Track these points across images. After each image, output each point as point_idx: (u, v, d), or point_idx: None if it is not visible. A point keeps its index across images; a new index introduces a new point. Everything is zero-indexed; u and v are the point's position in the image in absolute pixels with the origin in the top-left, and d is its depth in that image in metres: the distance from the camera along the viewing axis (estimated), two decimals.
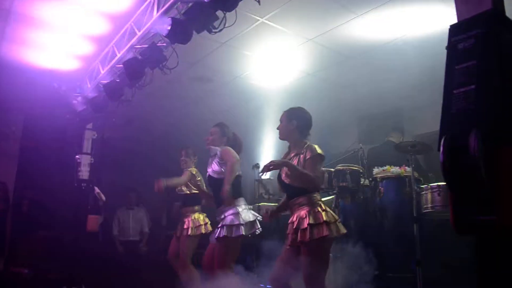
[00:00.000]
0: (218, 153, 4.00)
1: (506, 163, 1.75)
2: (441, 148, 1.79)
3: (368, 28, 4.73)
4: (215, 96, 6.57)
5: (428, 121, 4.97)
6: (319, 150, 3.15)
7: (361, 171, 4.67)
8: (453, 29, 2.18)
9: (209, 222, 4.69)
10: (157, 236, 7.42)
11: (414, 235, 3.92)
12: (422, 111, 5.80)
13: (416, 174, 4.34)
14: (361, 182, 4.70)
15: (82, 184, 5.65)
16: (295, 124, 3.31)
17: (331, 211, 3.09)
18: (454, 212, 1.76)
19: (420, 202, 4.11)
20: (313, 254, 2.96)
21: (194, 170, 4.73)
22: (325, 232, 2.93)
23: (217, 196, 3.86)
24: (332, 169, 4.73)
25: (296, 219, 3.06)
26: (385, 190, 4.47)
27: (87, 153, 5.81)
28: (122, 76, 4.94)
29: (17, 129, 6.54)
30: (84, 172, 5.74)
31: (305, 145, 3.23)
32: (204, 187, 4.55)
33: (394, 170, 4.48)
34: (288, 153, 3.39)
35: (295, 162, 3.17)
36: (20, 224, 5.95)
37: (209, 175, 4.07)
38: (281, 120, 3.40)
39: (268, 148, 7.65)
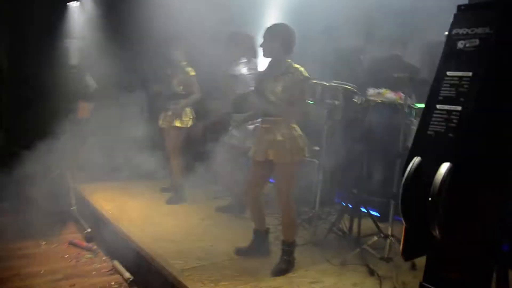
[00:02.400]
0: None
1: (479, 205, 1.63)
2: (405, 174, 1.68)
3: None
4: None
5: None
6: (306, 73, 3.19)
7: (355, 90, 4.46)
8: (458, 16, 1.83)
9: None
10: None
11: (395, 168, 3.86)
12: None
13: (413, 106, 4.08)
14: (354, 100, 4.53)
15: (72, 70, 5.50)
16: (279, 41, 3.17)
17: (303, 135, 3.25)
18: (405, 243, 1.71)
19: (408, 136, 3.93)
20: (288, 174, 3.22)
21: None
22: (302, 156, 3.20)
23: None
24: (327, 84, 4.52)
25: (274, 138, 3.17)
26: (376, 115, 4.33)
27: (75, 38, 5.53)
28: None
29: None
30: (74, 58, 5.55)
31: (291, 66, 3.20)
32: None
33: (389, 95, 4.22)
34: (268, 71, 3.33)
35: (281, 82, 3.17)
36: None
37: None
38: (264, 38, 3.24)
39: None
